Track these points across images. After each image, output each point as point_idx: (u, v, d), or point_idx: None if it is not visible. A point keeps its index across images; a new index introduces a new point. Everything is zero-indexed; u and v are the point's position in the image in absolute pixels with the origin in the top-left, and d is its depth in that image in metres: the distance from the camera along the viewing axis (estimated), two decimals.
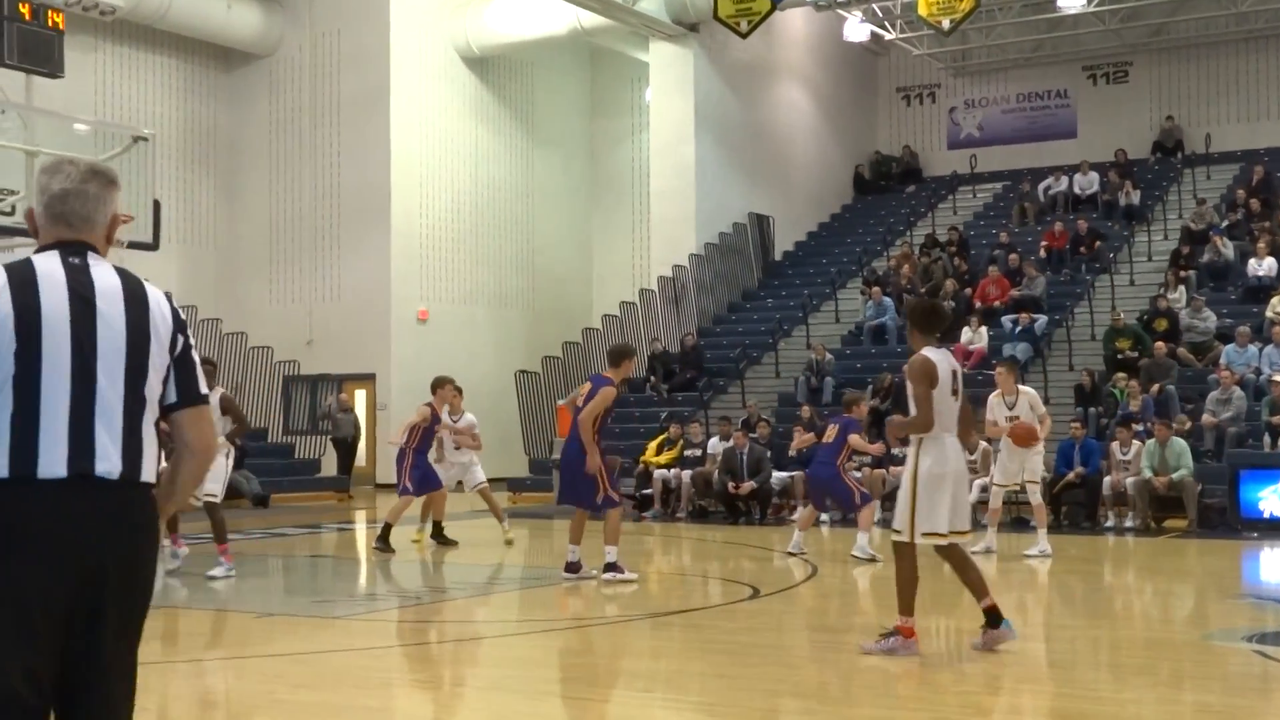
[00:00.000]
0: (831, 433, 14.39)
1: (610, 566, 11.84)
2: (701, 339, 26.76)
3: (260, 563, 14.90)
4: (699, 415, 23.09)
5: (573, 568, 12.07)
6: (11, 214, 14.85)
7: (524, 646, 9.48)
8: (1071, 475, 18.28)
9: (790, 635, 9.99)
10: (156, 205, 15.38)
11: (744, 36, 28.34)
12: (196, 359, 3.72)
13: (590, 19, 28.51)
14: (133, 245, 14.98)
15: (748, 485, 19.44)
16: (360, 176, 28.58)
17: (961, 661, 8.57)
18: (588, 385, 12.29)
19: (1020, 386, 14.64)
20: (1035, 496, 14.93)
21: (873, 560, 13.78)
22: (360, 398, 28.46)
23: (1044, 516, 15.00)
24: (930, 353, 8.25)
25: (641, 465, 21.06)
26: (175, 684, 8.02)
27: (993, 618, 8.30)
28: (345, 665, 8.65)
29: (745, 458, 19.60)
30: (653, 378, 25.76)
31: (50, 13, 15.93)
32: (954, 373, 8.32)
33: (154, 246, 15.47)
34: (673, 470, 20.55)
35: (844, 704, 7.19)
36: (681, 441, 20.92)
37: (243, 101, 30.24)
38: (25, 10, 15.50)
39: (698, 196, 28.97)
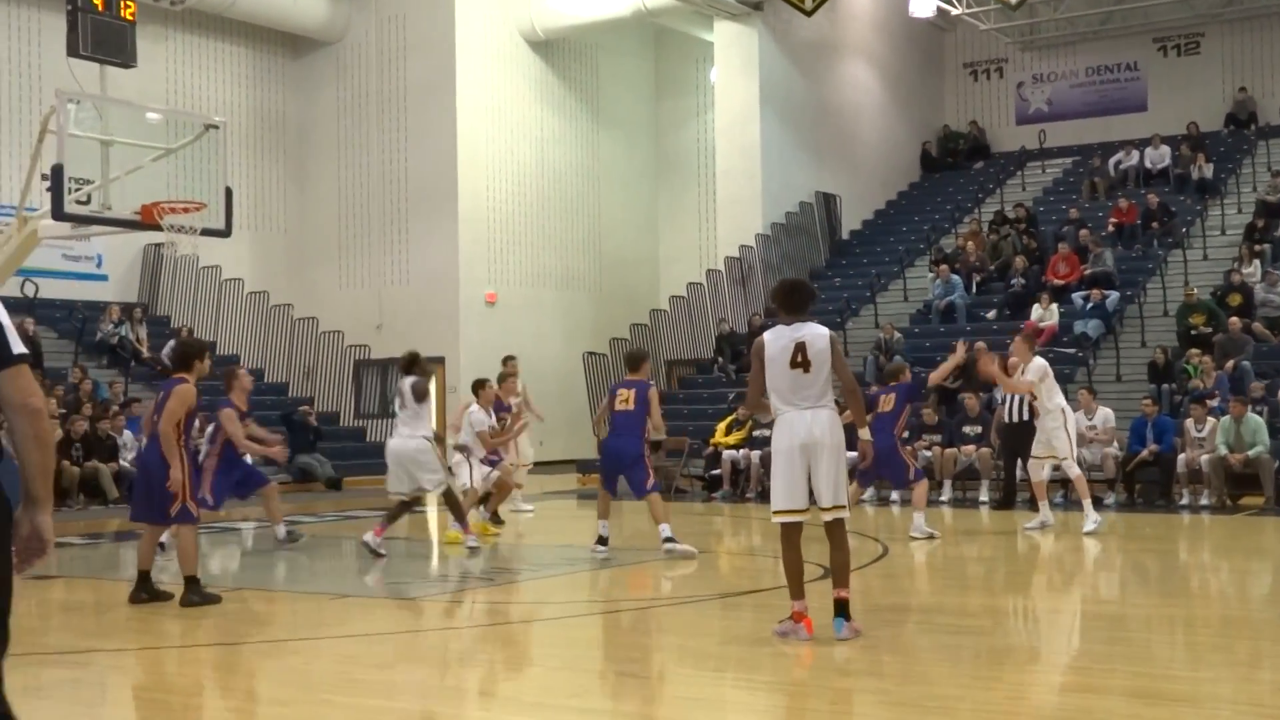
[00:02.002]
0: (888, 402, 14.02)
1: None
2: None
3: (334, 545, 15.09)
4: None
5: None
6: (87, 203, 15.06)
7: (594, 627, 9.54)
8: (1145, 453, 18.10)
9: (861, 614, 9.97)
10: (228, 192, 15.55)
11: (809, 14, 28.23)
12: (7, 322, 3.64)
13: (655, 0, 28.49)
14: (206, 232, 15.20)
15: None
16: (427, 161, 28.75)
17: (1037, 641, 8.53)
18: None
19: (1037, 359, 14.79)
20: (1071, 469, 14.72)
21: (931, 538, 13.74)
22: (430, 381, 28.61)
23: (1083, 488, 14.74)
24: (769, 332, 8.24)
25: (710, 446, 21.07)
26: (257, 663, 8.15)
27: (841, 611, 8.07)
28: (419, 645, 8.76)
29: None
30: (720, 359, 25.74)
31: (122, 4, 16.12)
32: (799, 345, 8.03)
33: (226, 233, 15.66)
34: (741, 451, 20.54)
35: (920, 683, 7.18)
36: (750, 422, 20.88)
37: (310, 88, 30.49)
38: (98, 2, 15.72)
39: (764, 176, 28.89)
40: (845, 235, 31.33)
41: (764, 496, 19.54)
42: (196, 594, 9.83)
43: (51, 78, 22.24)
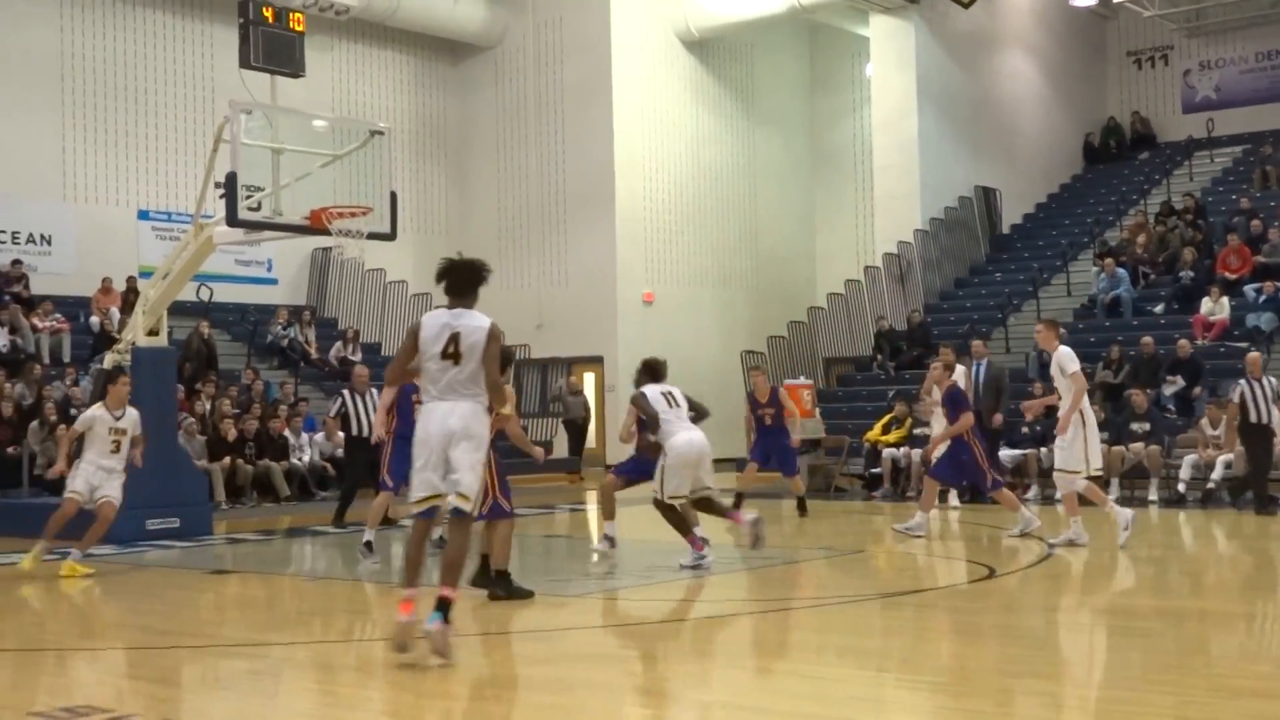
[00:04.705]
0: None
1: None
2: (928, 315, 26.43)
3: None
4: (1037, 384, 22.69)
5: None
6: (259, 209, 15.48)
7: (756, 625, 9.57)
8: None
9: (1027, 616, 9.85)
10: (393, 197, 15.82)
11: (966, 6, 27.87)
12: None
13: None
14: (372, 236, 15.52)
15: None
16: (584, 162, 29.05)
17: (1211, 644, 8.34)
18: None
19: (1061, 347, 12.90)
20: (1068, 483, 12.89)
21: (1028, 536, 13.46)
22: (589, 380, 28.94)
23: (1071, 506, 12.92)
24: (427, 314, 7.91)
25: (869, 444, 20.93)
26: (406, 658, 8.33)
27: (441, 607, 7.55)
28: (581, 642, 8.87)
29: None
30: (879, 356, 25.55)
31: (291, 16, 16.56)
32: (453, 335, 7.67)
33: (391, 237, 15.94)
34: (901, 449, 20.36)
35: (1086, 686, 7.08)
36: (910, 420, 20.71)
37: (470, 93, 31.02)
38: (269, 14, 16.16)
39: (922, 171, 28.60)
40: (1006, 229, 30.84)
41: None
42: (504, 588, 10.01)
43: (224, 89, 22.95)
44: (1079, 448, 12.66)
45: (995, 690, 7.17)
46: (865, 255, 30.17)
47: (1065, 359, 12.74)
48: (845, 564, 12.56)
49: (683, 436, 11.85)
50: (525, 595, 10.01)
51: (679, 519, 11.92)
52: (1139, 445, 18.62)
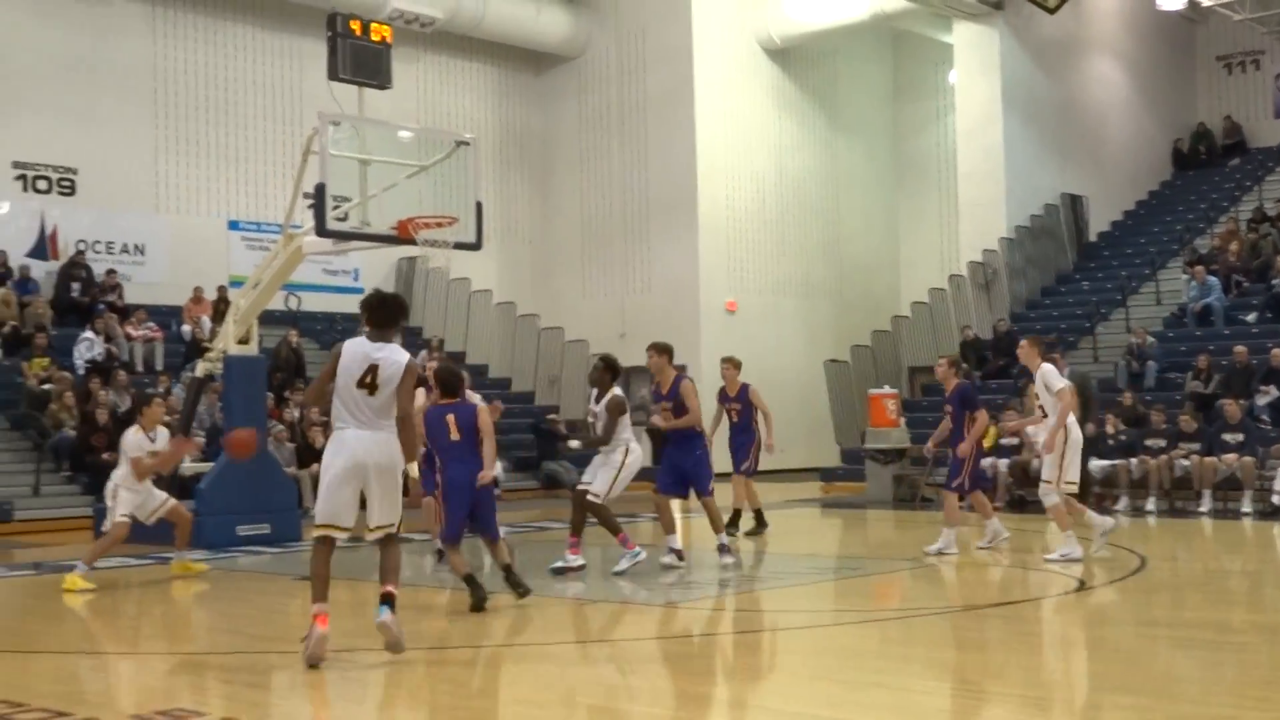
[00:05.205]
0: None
1: None
2: (1014, 324, 26.16)
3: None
4: (1014, 403, 22.55)
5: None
6: (346, 220, 15.66)
7: (843, 636, 9.52)
8: None
9: (1117, 629, 9.72)
10: (479, 207, 15.95)
11: (1052, 12, 27.62)
12: None
13: (892, 3, 28.28)
14: (458, 246, 15.65)
15: None
16: (667, 171, 29.10)
17: None
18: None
19: (1044, 364, 12.79)
20: (1048, 497, 12.78)
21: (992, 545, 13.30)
22: None
23: (1060, 519, 12.65)
24: (349, 341, 8.16)
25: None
26: (510, 667, 8.40)
27: (386, 601, 8.10)
28: (673, 652, 8.88)
29: None
30: (964, 365, 25.29)
31: (377, 27, 16.77)
32: (372, 366, 7.97)
33: (477, 246, 16.06)
34: (989, 459, 20.13)
35: (1178, 701, 6.98)
36: (996, 430, 20.47)
37: (553, 103, 31.20)
38: (356, 27, 16.38)
39: (1007, 178, 28.36)
40: (1093, 237, 30.48)
41: (1012, 505, 19.21)
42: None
43: (312, 101, 23.26)
44: (1054, 458, 12.55)
45: (1084, 705, 7.09)
46: (950, 263, 29.95)
47: (1050, 376, 12.68)
48: (929, 574, 12.46)
49: (639, 446, 12.38)
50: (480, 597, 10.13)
51: (611, 517, 12.22)
52: (1232, 456, 18.29)
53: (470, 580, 10.10)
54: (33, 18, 24.32)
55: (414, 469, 8.08)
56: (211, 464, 16.68)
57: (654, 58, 29.52)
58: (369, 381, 7.97)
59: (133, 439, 12.73)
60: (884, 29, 31.27)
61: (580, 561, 12.26)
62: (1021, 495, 20.01)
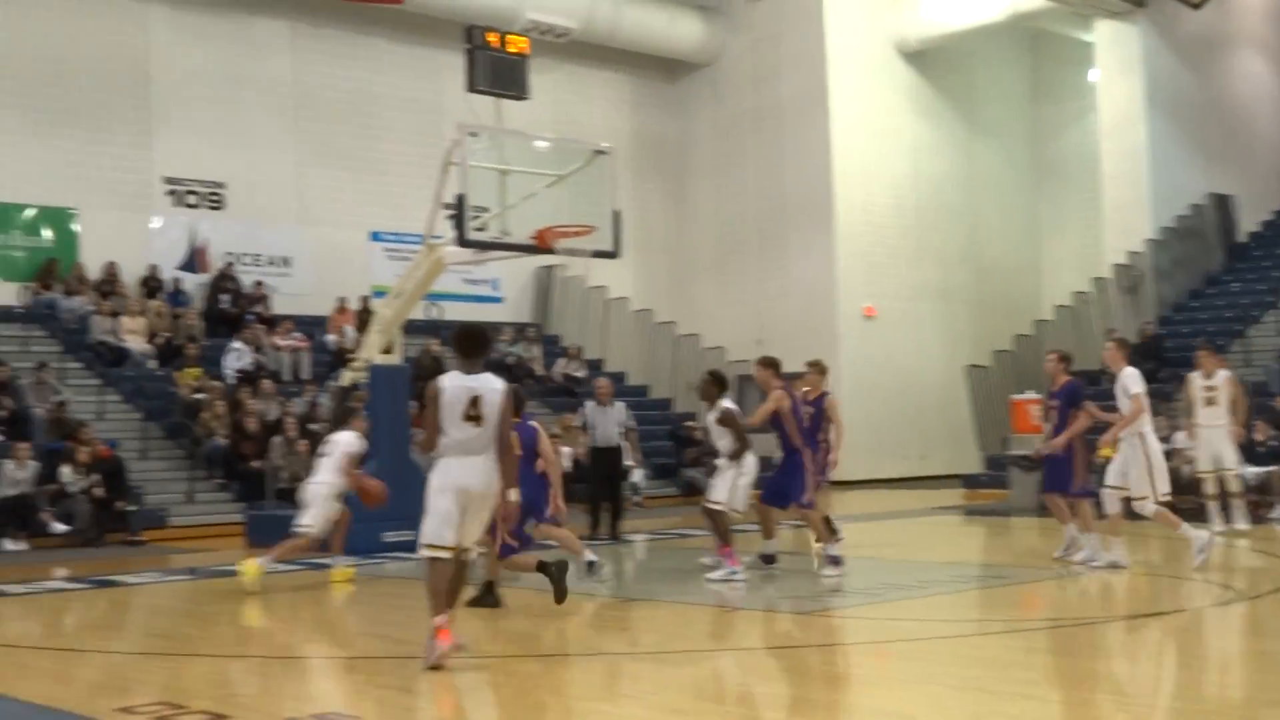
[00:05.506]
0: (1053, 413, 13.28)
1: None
2: (1162, 328, 25.60)
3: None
4: (1160, 408, 22.05)
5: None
6: (484, 230, 15.85)
7: (991, 645, 9.38)
8: None
9: (1275, 641, 9.45)
10: (617, 215, 16.05)
11: (1196, 7, 27.04)
12: None
13: (1030, 3, 27.90)
14: (597, 254, 15.79)
15: None
16: (803, 176, 28.98)
17: None
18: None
19: (1127, 368, 12.57)
20: (1145, 507, 12.60)
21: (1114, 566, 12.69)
22: None
23: (1166, 520, 12.47)
24: (446, 378, 8.41)
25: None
26: (660, 673, 8.42)
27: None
28: (808, 661, 8.83)
29: None
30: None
31: (514, 39, 16.98)
32: (474, 399, 8.25)
33: (616, 255, 16.17)
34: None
35: None
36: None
37: (687, 110, 31.26)
38: (493, 39, 16.62)
39: (1151, 179, 27.78)
40: (1243, 237, 29.70)
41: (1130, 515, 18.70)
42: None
43: (451, 112, 23.58)
44: (1143, 470, 12.39)
45: (1243, 719, 6.91)
46: (1093, 266, 29.38)
47: (1130, 380, 12.47)
48: (1079, 584, 12.22)
49: (752, 456, 12.61)
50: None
51: (727, 527, 12.46)
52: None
53: (543, 566, 10.37)
54: (181, 38, 25.02)
55: (514, 494, 8.19)
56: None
57: (788, 63, 29.43)
58: (474, 415, 8.30)
59: (349, 436, 13.28)
60: (1022, 29, 30.84)
61: (741, 572, 12.23)
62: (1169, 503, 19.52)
